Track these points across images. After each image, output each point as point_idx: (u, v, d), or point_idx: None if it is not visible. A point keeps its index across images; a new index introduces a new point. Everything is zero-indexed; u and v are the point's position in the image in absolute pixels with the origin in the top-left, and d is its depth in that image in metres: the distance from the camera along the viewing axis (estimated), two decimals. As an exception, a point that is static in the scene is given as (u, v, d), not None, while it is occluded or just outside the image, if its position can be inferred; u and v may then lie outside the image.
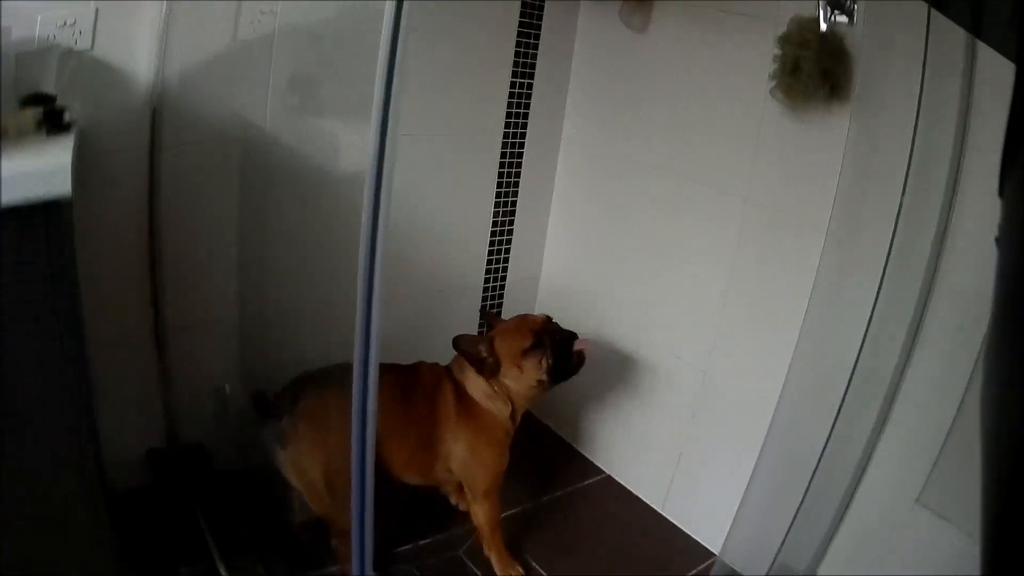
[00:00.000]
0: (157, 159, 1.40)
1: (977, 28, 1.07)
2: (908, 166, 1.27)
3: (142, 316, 1.48)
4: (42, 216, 0.91)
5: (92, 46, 1.29)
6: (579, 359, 1.46)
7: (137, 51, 1.33)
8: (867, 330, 1.34)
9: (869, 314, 1.33)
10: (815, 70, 1.29)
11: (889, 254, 1.30)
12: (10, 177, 0.86)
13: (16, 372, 0.98)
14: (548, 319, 1.49)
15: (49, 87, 1.18)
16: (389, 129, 0.76)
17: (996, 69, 1.12)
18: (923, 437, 1.33)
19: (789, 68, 1.32)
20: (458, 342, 1.44)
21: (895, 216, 1.29)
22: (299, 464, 1.37)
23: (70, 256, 0.96)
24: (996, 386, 0.56)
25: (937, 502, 1.32)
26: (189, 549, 1.42)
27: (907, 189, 1.28)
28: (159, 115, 1.37)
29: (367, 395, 0.93)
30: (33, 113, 1.06)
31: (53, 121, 1.06)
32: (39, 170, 0.91)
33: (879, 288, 1.32)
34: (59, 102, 1.11)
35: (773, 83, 1.36)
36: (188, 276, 1.49)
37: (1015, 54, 0.74)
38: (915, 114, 1.24)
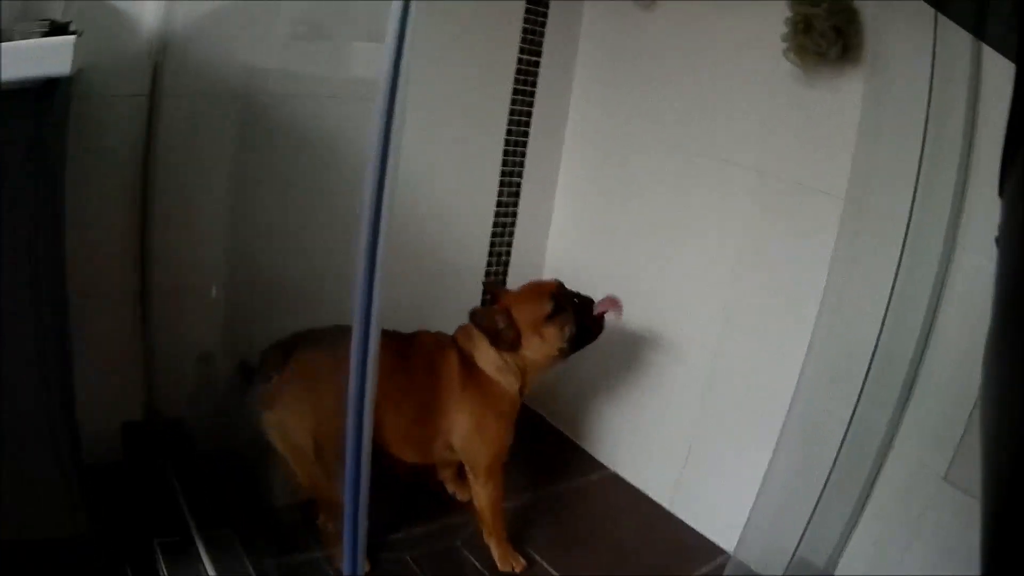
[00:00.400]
0: (156, 109, 1.37)
1: (979, 29, 1.09)
2: (925, 127, 1.25)
3: (128, 274, 1.42)
4: (36, 98, 0.88)
5: (101, -12, 1.28)
6: (599, 324, 1.40)
7: (145, -3, 1.33)
8: (889, 303, 1.30)
9: (891, 286, 1.29)
10: (827, 27, 1.30)
11: (910, 221, 1.27)
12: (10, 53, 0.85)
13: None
14: (560, 284, 1.43)
15: (55, 22, 1.18)
16: (399, 94, 0.73)
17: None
18: (948, 413, 1.28)
19: (801, 27, 1.32)
20: (476, 316, 1.37)
21: (914, 180, 1.27)
22: (286, 426, 1.29)
23: (62, 146, 0.92)
24: (996, 386, 0.56)
25: (965, 479, 1.26)
26: (165, 522, 1.32)
27: (925, 151, 1.26)
28: (161, 63, 1.36)
29: (367, 364, 0.87)
30: (39, 25, 1.04)
31: (58, 32, 1.04)
32: (41, 46, 0.90)
33: (900, 258, 1.28)
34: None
35: (785, 45, 1.36)
36: (180, 234, 1.44)
37: (1015, 54, 0.75)
38: (930, 71, 1.24)
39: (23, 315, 0.98)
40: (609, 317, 1.41)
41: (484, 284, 1.56)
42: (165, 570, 1.23)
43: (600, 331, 1.41)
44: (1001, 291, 0.57)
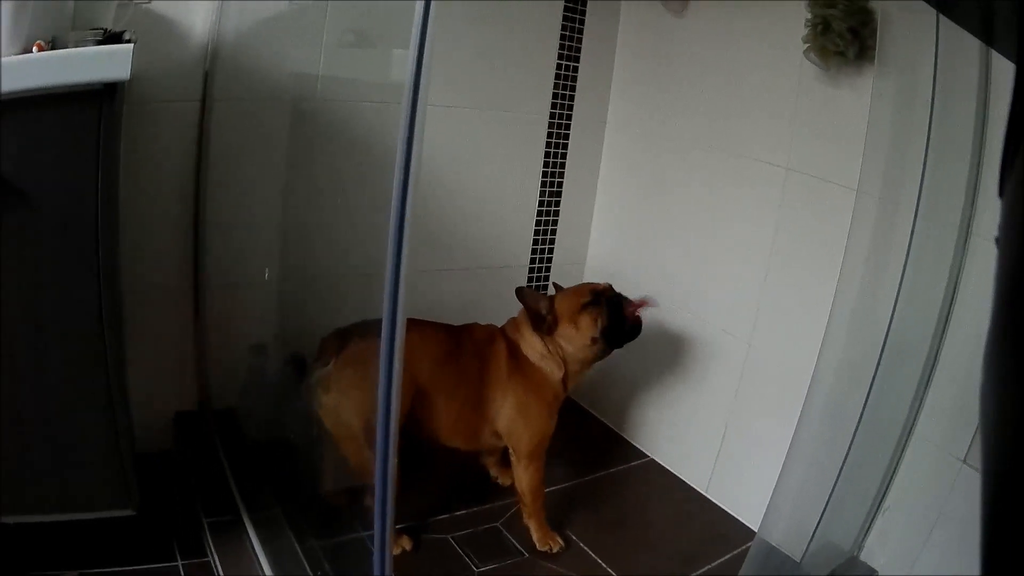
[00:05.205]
0: (208, 113, 1.56)
1: (981, 31, 1.21)
2: (930, 120, 1.37)
3: (182, 270, 1.60)
4: (96, 101, 0.98)
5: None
6: (635, 324, 1.57)
7: (194, 7, 1.50)
8: (899, 287, 1.40)
9: (901, 271, 1.39)
10: (843, 28, 1.46)
11: (917, 208, 1.39)
12: (68, 57, 0.97)
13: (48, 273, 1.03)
14: (610, 286, 1.61)
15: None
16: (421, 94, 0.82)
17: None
18: (967, 395, 1.38)
19: (820, 28, 1.49)
20: (522, 293, 1.56)
21: (921, 169, 1.39)
22: (340, 409, 1.44)
23: (115, 147, 1.02)
24: (996, 386, 0.59)
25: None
26: (215, 504, 1.48)
27: (931, 141, 1.37)
28: (212, 70, 1.54)
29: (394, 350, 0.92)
30: (93, 34, 1.17)
31: (113, 41, 1.14)
32: (101, 53, 1.00)
33: (910, 242, 1.39)
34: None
35: (807, 46, 1.52)
36: (231, 232, 1.63)
37: (1015, 54, 0.82)
38: (933, 67, 1.36)
39: (78, 310, 1.09)
40: (650, 311, 1.58)
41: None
42: (212, 546, 1.39)
43: (638, 330, 1.58)
44: (1001, 291, 0.59)
